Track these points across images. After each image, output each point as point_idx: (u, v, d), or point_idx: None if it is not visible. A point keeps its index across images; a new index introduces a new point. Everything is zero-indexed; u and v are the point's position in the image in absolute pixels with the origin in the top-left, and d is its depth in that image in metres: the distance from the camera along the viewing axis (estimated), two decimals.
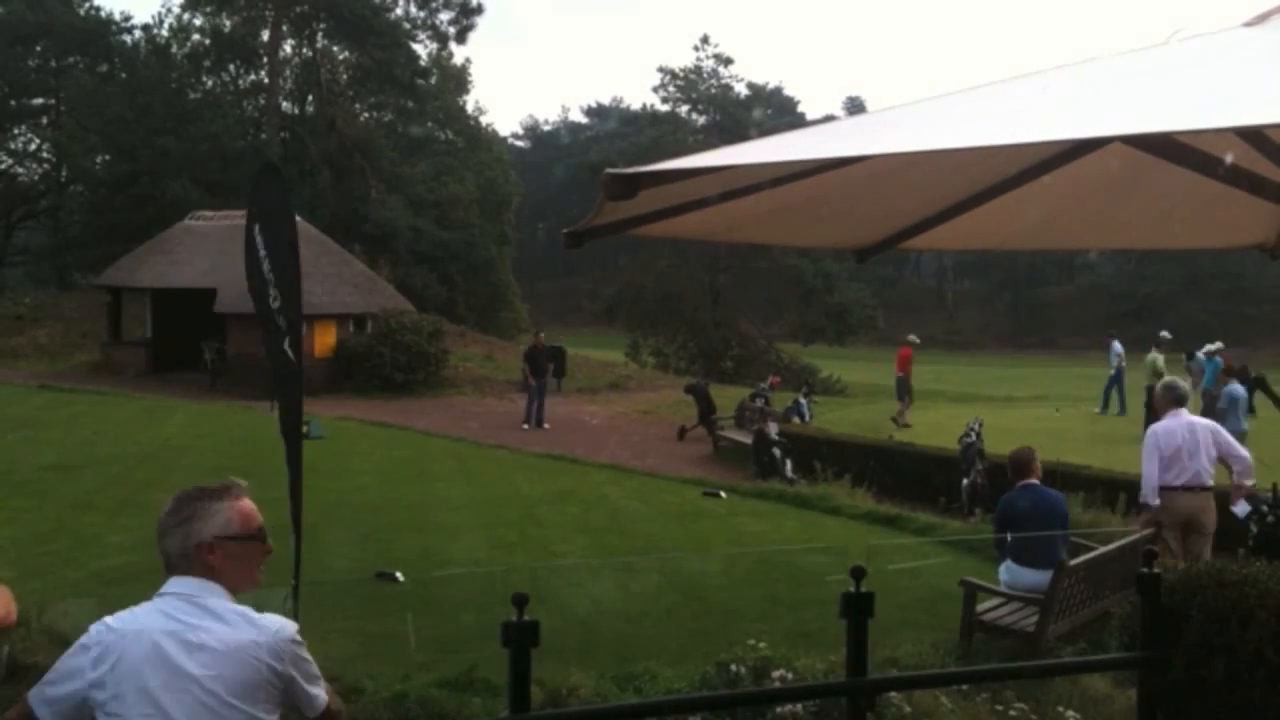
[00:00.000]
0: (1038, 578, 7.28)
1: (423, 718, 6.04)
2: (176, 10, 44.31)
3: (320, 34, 44.15)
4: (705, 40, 58.72)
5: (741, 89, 57.48)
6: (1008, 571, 7.74)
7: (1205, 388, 19.45)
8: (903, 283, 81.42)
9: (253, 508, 2.75)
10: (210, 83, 45.99)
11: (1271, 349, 36.45)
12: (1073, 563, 7.31)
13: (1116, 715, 6.06)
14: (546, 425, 21.46)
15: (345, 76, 46.75)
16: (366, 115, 46.68)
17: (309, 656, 2.70)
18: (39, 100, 47.42)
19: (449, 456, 17.15)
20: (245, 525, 2.70)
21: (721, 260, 45.33)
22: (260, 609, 2.69)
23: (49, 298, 38.30)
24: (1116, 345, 23.61)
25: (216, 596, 2.63)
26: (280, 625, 2.65)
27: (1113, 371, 23.36)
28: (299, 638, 2.67)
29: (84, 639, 2.58)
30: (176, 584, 2.63)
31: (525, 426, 21.35)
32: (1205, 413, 19.04)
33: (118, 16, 47.53)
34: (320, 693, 2.72)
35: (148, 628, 2.56)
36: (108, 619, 2.59)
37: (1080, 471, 13.19)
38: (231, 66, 46.00)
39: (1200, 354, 20.99)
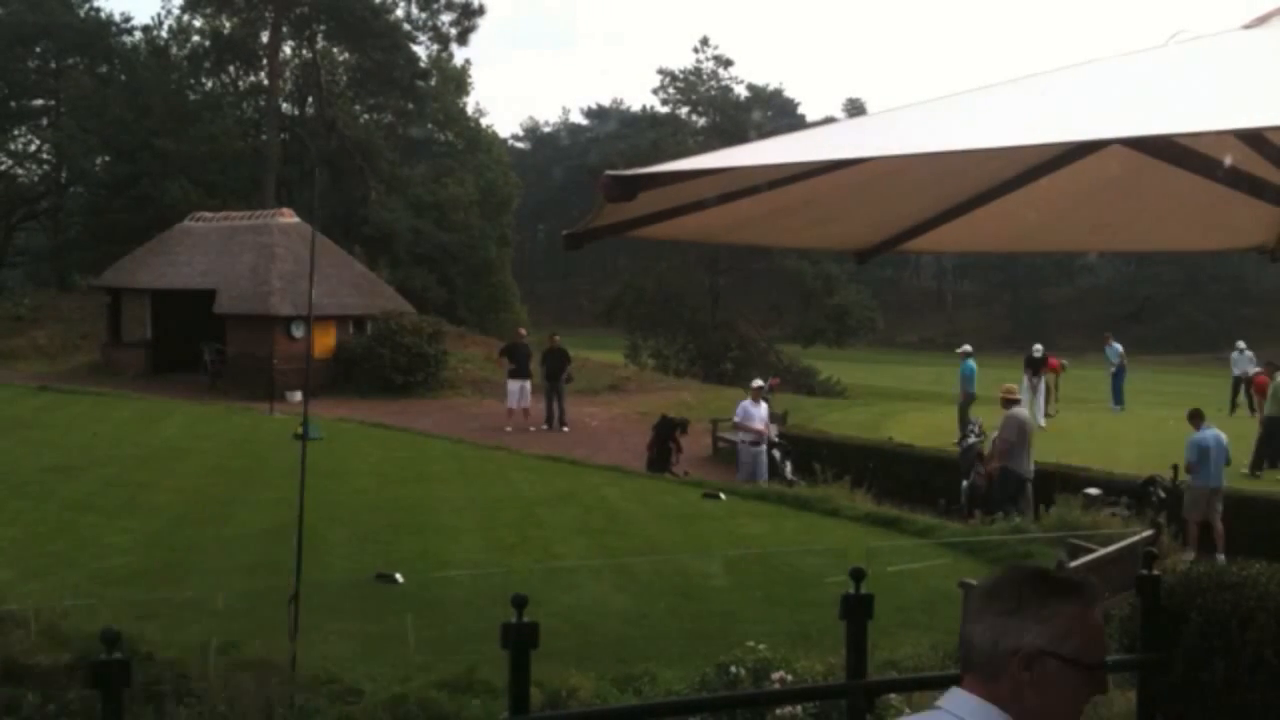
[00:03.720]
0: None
1: (422, 719, 6.04)
2: (176, 12, 44.21)
3: (320, 35, 44.10)
4: (705, 42, 58.44)
5: (741, 91, 57.35)
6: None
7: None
8: (902, 284, 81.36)
9: (1102, 626, 1.89)
10: (210, 84, 45.93)
11: (1272, 350, 36.37)
12: (1072, 564, 7.32)
13: (1116, 717, 6.05)
14: (533, 422, 21.35)
15: (345, 78, 46.71)
16: (366, 117, 46.62)
17: None
18: (39, 101, 47.29)
19: (449, 458, 17.14)
20: (1087, 647, 1.81)
21: (721, 262, 45.29)
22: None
23: (49, 299, 38.21)
24: (1116, 345, 24.54)
25: None
26: None
27: (1114, 369, 24.46)
28: None
29: None
30: (955, 701, 1.82)
31: (545, 428, 21.22)
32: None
33: (118, 17, 47.29)
34: None
35: None
36: None
37: (1079, 474, 13.19)
38: (231, 68, 45.93)
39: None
